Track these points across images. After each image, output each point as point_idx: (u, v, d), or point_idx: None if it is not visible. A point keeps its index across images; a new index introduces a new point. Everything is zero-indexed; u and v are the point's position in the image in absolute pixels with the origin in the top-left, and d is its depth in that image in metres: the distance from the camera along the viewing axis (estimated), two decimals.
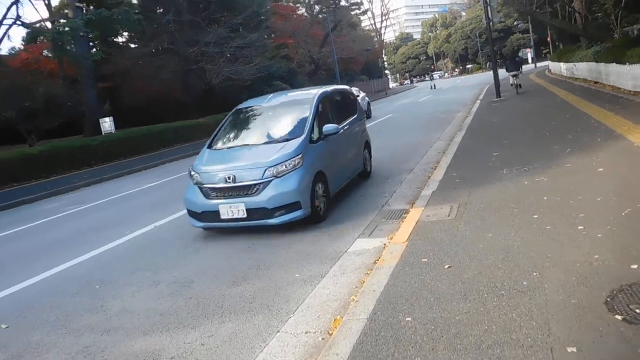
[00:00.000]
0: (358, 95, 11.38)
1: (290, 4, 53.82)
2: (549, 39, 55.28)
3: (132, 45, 33.48)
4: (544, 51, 72.28)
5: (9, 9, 28.76)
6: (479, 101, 19.69)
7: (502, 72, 22.15)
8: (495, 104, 16.56)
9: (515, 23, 69.36)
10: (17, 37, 61.53)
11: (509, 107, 14.97)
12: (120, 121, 31.16)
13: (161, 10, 26.43)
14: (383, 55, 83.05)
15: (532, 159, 6.76)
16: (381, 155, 10.34)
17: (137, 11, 26.10)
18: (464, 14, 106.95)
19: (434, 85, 48.66)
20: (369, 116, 13.86)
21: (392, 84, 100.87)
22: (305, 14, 53.14)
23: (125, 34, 33.45)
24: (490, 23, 18.10)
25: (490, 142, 8.93)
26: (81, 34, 21.97)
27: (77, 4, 21.61)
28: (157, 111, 31.66)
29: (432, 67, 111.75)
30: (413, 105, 26.60)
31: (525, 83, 25.96)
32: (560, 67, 25.52)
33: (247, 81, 35.13)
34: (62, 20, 21.69)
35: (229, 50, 25.98)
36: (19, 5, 20.57)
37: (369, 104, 21.60)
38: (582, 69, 19.46)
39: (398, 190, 6.93)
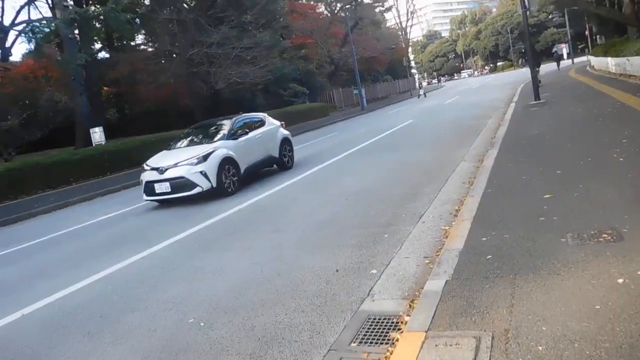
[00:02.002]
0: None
1: (312, 1, 51.41)
2: (586, 33, 51.68)
3: (139, 47, 31.71)
4: (580, 46, 68.01)
5: (18, 12, 27.35)
6: (513, 104, 16.87)
7: (520, 72, 19.07)
8: (534, 109, 13.75)
9: (550, 17, 65.15)
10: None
11: (552, 113, 12.16)
12: (126, 129, 29.47)
13: (165, 10, 24.32)
14: (409, 54, 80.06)
15: (615, 210, 4.12)
16: (382, 182, 7.87)
17: (137, 10, 24.22)
18: (494, 10, 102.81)
19: (424, 94, 41.49)
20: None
21: (419, 84, 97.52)
22: (325, 12, 50.64)
23: (140, 36, 31.83)
24: (527, 12, 15.28)
25: (535, 169, 6.29)
26: (70, 36, 20.15)
27: (65, 4, 19.69)
28: (166, 118, 29.79)
29: (461, 65, 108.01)
30: (438, 109, 23.83)
31: (565, 81, 22.93)
32: (608, 63, 22.35)
33: (259, 84, 32.97)
34: (44, 21, 19.72)
35: (235, 51, 23.65)
36: (31, 8, 18.99)
37: (284, 142, 11.66)
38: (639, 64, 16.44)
39: (394, 261, 4.38)
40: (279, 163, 11.37)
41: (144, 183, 9.38)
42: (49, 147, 21.97)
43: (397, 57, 63.01)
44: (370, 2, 56.97)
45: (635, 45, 17.60)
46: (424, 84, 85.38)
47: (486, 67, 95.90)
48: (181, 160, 9.16)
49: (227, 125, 10.33)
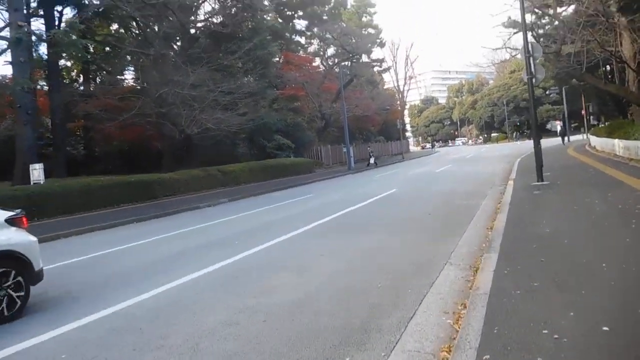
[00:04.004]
0: None
1: (310, 55, 50.50)
2: (583, 112, 51.12)
3: (118, 82, 29.63)
4: (574, 124, 67.43)
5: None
6: (511, 182, 14.60)
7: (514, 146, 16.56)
8: (538, 193, 11.43)
9: (547, 93, 64.75)
10: None
11: (562, 201, 9.80)
12: (94, 168, 27.03)
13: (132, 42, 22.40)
14: (404, 117, 79.49)
15: None
16: (326, 295, 5.24)
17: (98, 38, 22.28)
18: (491, 81, 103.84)
19: (375, 162, 37.74)
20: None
21: (412, 147, 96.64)
22: (322, 66, 49.57)
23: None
24: (533, 80, 13.30)
25: (564, 310, 3.80)
26: (21, 59, 17.99)
27: (20, 23, 17.61)
28: (137, 159, 27.48)
29: (456, 133, 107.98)
30: (427, 178, 21.59)
31: (567, 161, 20.92)
32: (614, 145, 20.44)
33: (241, 133, 30.88)
34: None
35: (212, 94, 21.52)
36: None
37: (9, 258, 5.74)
38: None
39: None
40: None
41: None
42: None
43: (391, 119, 61.78)
44: (368, 61, 56.28)
45: None
46: (459, 142, 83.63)
47: (480, 137, 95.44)
48: None
49: None
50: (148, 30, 22.53)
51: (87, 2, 22.81)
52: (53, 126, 24.98)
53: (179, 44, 24.23)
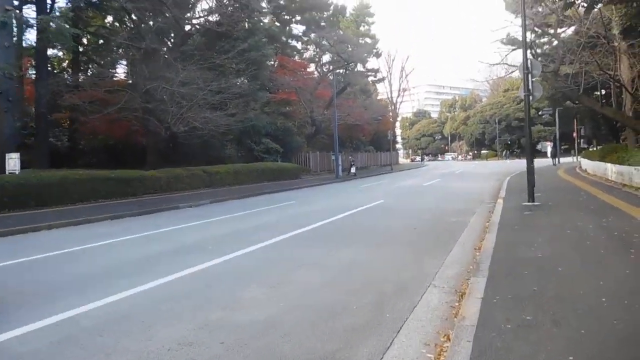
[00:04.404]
0: None
1: (305, 60, 50.12)
2: (574, 135, 51.41)
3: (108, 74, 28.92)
4: (564, 146, 67.73)
5: None
6: (501, 201, 14.21)
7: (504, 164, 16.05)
8: (529, 214, 11.04)
9: (539, 113, 64.88)
10: None
11: (555, 225, 9.37)
12: (77, 161, 26.28)
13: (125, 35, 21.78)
14: (395, 128, 79.31)
15: None
16: (293, 318, 4.67)
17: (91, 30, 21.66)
18: (484, 99, 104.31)
19: (354, 173, 37.65)
20: None
21: (402, 159, 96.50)
22: (316, 72, 49.18)
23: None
24: (530, 97, 12.95)
25: (554, 353, 3.34)
26: (6, 44, 17.35)
27: (8, 7, 16.96)
28: (123, 155, 26.82)
29: (447, 147, 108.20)
30: (414, 191, 21.18)
31: (558, 182, 20.65)
32: (607, 169, 20.21)
33: (230, 133, 30.34)
34: None
35: (201, 93, 20.93)
36: None
37: None
38: None
39: None
40: None
41: None
42: None
43: (383, 129, 61.48)
44: (363, 70, 56.04)
45: None
46: (448, 157, 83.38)
47: (470, 153, 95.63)
48: None
49: None
50: (142, 25, 21.93)
51: None
52: (37, 116, 24.25)
53: (172, 40, 23.65)
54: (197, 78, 20.16)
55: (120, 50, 24.64)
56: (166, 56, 19.44)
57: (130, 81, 22.64)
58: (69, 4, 23.66)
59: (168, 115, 20.55)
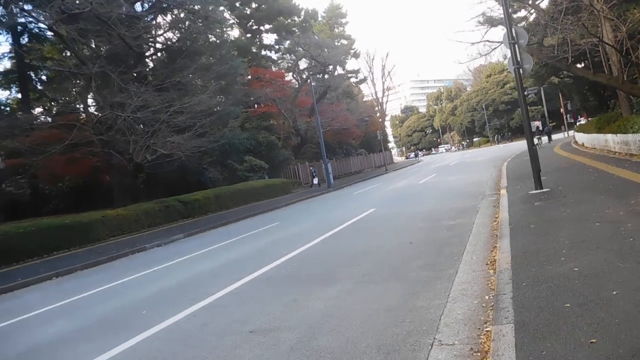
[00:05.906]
0: None
1: (283, 70, 48.64)
2: (562, 110, 50.71)
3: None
4: (552, 124, 66.62)
5: None
6: (504, 192, 12.51)
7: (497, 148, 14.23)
8: (540, 205, 9.31)
9: (525, 93, 63.57)
10: None
11: (574, 215, 7.62)
12: (41, 209, 24.48)
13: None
14: (385, 128, 77.87)
15: None
16: None
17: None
18: (469, 87, 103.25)
19: (318, 183, 35.46)
20: None
21: (396, 158, 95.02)
22: (294, 80, 47.63)
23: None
24: (521, 70, 11.31)
25: None
26: None
27: None
28: (90, 196, 25.04)
29: (439, 140, 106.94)
30: (409, 193, 19.45)
31: (559, 160, 19.00)
32: (607, 141, 18.61)
33: (209, 156, 28.63)
34: None
35: (162, 116, 19.15)
36: None
37: None
38: None
39: None
40: None
41: None
42: None
43: (372, 131, 59.99)
44: (343, 72, 54.54)
45: None
46: (442, 149, 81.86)
47: (463, 143, 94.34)
48: None
49: None
50: (87, 51, 20.20)
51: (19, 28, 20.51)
52: None
53: (126, 62, 21.91)
54: (154, 100, 18.40)
55: (75, 81, 22.87)
56: (115, 81, 17.71)
57: (83, 113, 20.85)
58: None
59: (129, 145, 18.75)
